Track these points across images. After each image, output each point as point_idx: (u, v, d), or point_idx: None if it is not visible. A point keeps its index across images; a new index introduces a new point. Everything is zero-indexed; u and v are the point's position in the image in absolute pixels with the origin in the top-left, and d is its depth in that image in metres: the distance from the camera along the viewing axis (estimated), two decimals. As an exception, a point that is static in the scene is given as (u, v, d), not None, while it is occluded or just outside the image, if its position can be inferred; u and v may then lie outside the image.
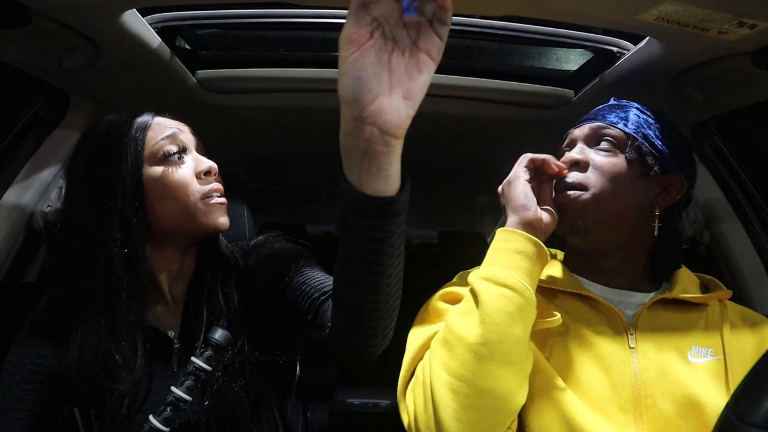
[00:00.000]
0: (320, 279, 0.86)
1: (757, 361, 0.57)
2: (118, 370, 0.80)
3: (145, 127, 0.86)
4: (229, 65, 1.40)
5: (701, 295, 0.87)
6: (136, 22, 1.01)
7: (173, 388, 0.74)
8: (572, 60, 1.43)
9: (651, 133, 0.86)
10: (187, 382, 0.75)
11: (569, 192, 0.85)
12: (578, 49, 1.35)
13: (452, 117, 1.53)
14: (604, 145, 0.87)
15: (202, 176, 0.87)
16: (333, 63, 1.43)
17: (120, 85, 1.24)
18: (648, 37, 1.01)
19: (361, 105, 0.52)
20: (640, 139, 0.85)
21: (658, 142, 0.86)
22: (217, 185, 0.89)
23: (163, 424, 0.73)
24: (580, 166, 0.86)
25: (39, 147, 1.24)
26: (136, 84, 1.25)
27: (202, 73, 1.37)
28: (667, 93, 1.16)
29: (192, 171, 0.86)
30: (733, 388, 0.75)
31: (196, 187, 0.85)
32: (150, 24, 1.09)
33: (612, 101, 0.94)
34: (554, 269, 0.91)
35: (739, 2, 0.76)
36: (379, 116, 0.53)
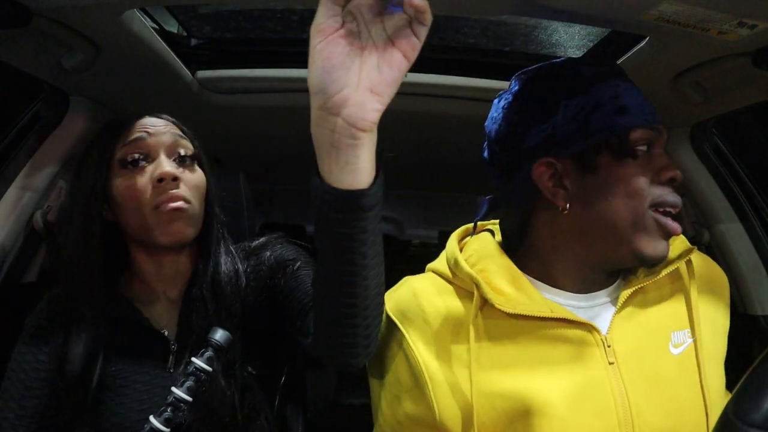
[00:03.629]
0: None
1: (757, 361, 0.57)
2: (107, 371, 0.81)
3: (119, 132, 0.83)
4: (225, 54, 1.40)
5: (668, 269, 0.76)
6: (136, 22, 1.01)
7: (174, 389, 0.74)
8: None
9: None
10: (188, 383, 0.74)
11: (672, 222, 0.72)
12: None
13: (452, 117, 1.53)
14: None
15: (156, 184, 0.80)
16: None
17: (120, 85, 1.24)
18: (648, 37, 1.01)
19: (326, 95, 0.52)
20: None
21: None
22: (173, 192, 0.80)
23: (163, 425, 0.72)
24: (676, 182, 0.73)
25: (39, 147, 1.24)
26: (136, 84, 1.25)
27: (202, 73, 1.37)
28: (667, 93, 1.16)
29: (148, 180, 0.80)
30: (705, 366, 0.72)
31: (146, 198, 0.80)
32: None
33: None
34: (502, 273, 0.75)
35: (739, 2, 0.76)
36: (344, 107, 0.52)
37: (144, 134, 0.83)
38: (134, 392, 0.82)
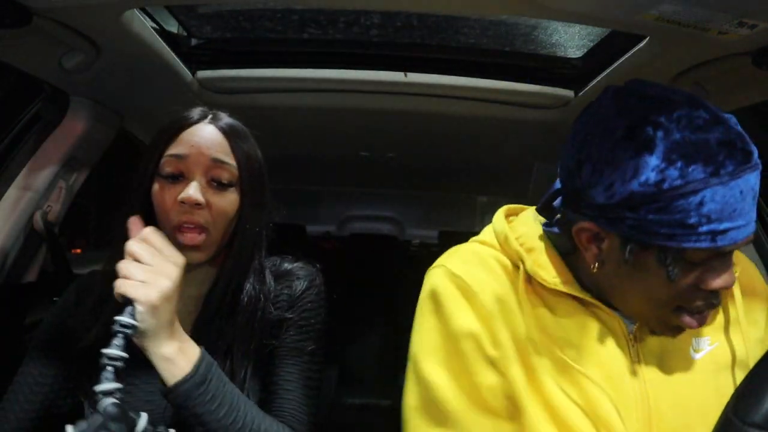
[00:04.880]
0: (284, 394, 0.86)
1: (757, 361, 0.58)
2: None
3: (169, 137, 0.84)
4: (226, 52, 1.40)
5: None
6: (136, 22, 1.01)
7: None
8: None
9: None
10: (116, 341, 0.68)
11: None
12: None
13: (452, 117, 1.53)
14: None
15: (180, 204, 0.81)
16: (333, 62, 1.43)
17: (120, 85, 1.24)
18: (648, 37, 1.01)
19: None
20: None
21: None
22: (192, 219, 0.81)
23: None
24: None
25: (39, 147, 1.24)
26: (136, 84, 1.25)
27: (202, 73, 1.37)
28: (667, 93, 1.16)
29: (175, 198, 0.81)
30: (726, 372, 0.72)
31: (170, 215, 0.81)
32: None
33: None
34: (540, 251, 0.75)
35: (739, 2, 0.76)
36: None
37: (185, 152, 0.83)
38: (139, 389, 0.82)
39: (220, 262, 0.90)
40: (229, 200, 0.85)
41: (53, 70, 1.09)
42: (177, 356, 0.71)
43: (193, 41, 1.40)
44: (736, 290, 0.77)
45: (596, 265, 0.69)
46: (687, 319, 0.68)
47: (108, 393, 0.64)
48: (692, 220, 0.60)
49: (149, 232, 0.74)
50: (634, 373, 0.71)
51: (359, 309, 2.79)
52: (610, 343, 0.72)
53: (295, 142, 1.95)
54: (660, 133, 0.61)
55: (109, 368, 0.65)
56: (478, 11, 0.97)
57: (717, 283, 0.65)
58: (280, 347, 0.88)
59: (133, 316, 0.68)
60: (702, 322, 0.68)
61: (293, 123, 1.67)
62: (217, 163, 0.84)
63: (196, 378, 0.71)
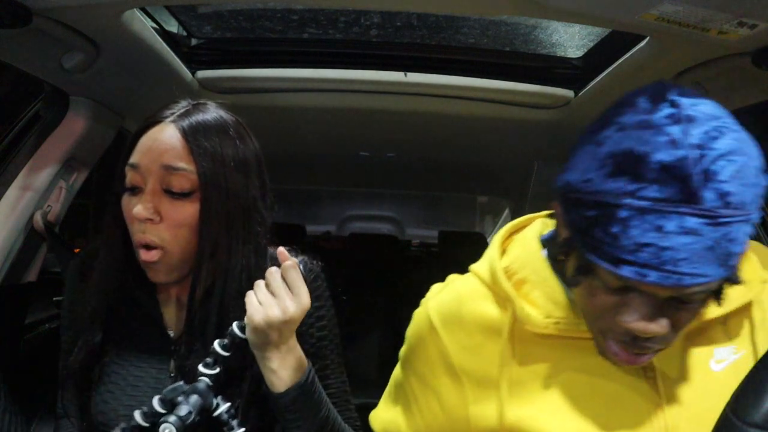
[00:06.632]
0: None
1: (757, 361, 0.57)
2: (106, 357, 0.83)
3: (133, 140, 0.79)
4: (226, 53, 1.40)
5: (726, 309, 0.65)
6: (136, 22, 1.01)
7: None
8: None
9: None
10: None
11: None
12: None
13: (452, 117, 1.54)
14: None
15: (136, 221, 0.75)
16: (333, 62, 1.44)
17: (120, 85, 1.24)
18: (648, 37, 1.01)
19: None
20: None
21: None
22: (144, 237, 0.74)
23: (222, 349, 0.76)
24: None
25: (39, 147, 1.24)
26: (136, 84, 1.25)
27: (202, 73, 1.37)
28: (667, 93, 1.16)
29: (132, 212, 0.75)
30: None
31: (131, 231, 0.77)
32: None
33: None
34: (541, 285, 0.68)
35: (739, 2, 0.76)
36: None
37: (136, 160, 0.76)
38: (126, 384, 0.82)
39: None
40: (186, 212, 0.75)
41: (53, 70, 1.09)
42: (280, 369, 0.75)
43: (193, 41, 1.40)
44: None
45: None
46: (612, 347, 0.60)
47: (202, 374, 0.74)
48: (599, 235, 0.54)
49: (288, 266, 0.74)
50: (648, 386, 0.66)
51: (359, 309, 2.79)
52: (620, 370, 0.66)
53: (295, 142, 1.95)
54: (616, 134, 0.54)
55: (209, 358, 0.75)
56: (478, 11, 0.97)
57: (626, 320, 0.56)
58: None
59: (242, 328, 0.75)
60: (633, 361, 0.60)
61: (293, 123, 1.67)
62: (169, 170, 0.75)
63: (290, 392, 0.76)
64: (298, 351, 0.77)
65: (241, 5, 1.37)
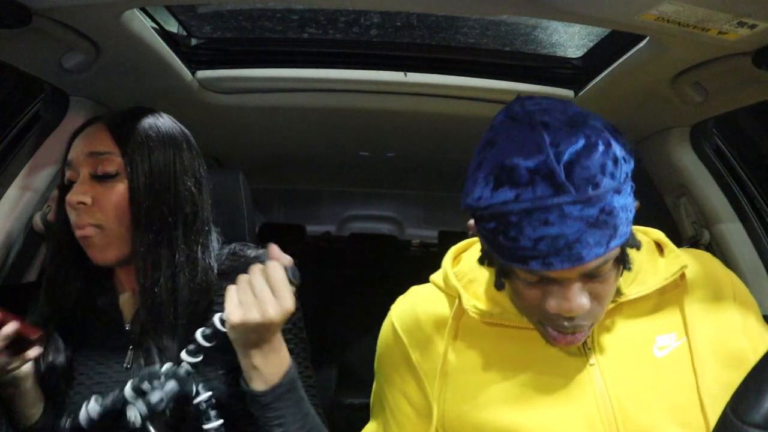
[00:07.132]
0: None
1: (757, 361, 0.57)
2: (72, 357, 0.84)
3: (69, 143, 0.85)
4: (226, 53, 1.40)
5: (659, 286, 0.74)
6: (136, 22, 1.01)
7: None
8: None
9: None
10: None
11: None
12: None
13: (452, 117, 1.53)
14: None
15: (73, 209, 0.80)
16: (333, 62, 1.44)
17: (120, 85, 1.24)
18: (648, 37, 1.01)
19: None
20: None
21: None
22: (78, 221, 0.80)
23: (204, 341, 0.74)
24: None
25: (39, 147, 1.24)
26: (136, 84, 1.25)
27: (202, 73, 1.37)
28: (667, 93, 1.16)
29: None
30: (699, 368, 0.70)
31: (71, 222, 0.81)
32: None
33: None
34: (481, 282, 0.78)
35: (739, 2, 0.76)
36: None
37: (70, 157, 0.83)
38: (92, 383, 0.82)
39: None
40: (116, 192, 0.80)
41: (53, 70, 1.09)
42: (262, 367, 0.73)
43: (193, 41, 1.40)
44: (693, 288, 0.76)
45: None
46: (551, 332, 0.68)
47: (183, 361, 0.74)
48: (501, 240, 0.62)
49: (273, 266, 0.72)
50: (592, 375, 0.72)
51: (359, 309, 2.79)
52: (562, 354, 0.74)
53: (295, 142, 1.95)
54: (489, 154, 0.64)
55: (192, 346, 0.74)
56: (478, 11, 0.97)
57: (552, 306, 0.64)
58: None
59: (222, 322, 0.73)
60: (572, 341, 0.68)
61: (293, 123, 1.67)
62: (94, 156, 0.81)
63: (272, 391, 0.74)
64: (283, 350, 0.75)
65: (241, 5, 1.37)
